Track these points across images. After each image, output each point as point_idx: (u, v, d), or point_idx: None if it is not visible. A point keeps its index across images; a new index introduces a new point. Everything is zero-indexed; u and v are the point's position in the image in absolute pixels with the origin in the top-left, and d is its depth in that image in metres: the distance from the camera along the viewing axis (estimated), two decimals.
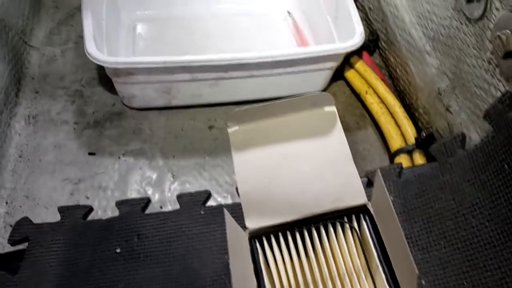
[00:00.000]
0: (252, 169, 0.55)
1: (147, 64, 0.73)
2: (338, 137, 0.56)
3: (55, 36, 0.98)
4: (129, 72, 0.76)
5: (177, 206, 0.67)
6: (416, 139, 0.76)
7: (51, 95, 0.88)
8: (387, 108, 0.83)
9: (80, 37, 0.96)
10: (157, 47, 0.94)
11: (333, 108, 0.58)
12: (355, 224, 0.53)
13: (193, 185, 0.79)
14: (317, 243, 0.51)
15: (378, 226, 0.51)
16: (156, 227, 0.62)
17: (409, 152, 0.76)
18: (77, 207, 0.67)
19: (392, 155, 0.77)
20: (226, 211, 0.46)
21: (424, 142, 0.74)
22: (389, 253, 0.49)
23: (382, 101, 0.84)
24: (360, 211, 0.53)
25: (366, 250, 0.51)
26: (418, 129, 0.79)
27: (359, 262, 0.50)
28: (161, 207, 0.75)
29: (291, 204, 0.53)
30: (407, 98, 0.83)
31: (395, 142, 0.78)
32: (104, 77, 0.89)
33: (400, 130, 0.80)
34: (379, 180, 0.47)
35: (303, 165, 0.55)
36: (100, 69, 0.91)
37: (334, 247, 0.51)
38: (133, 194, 0.77)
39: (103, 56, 0.74)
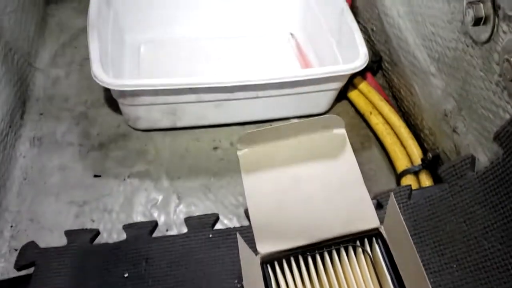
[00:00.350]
0: (262, 192, 0.55)
1: (153, 86, 0.74)
2: (348, 160, 0.56)
3: (60, 58, 0.98)
4: (135, 94, 0.76)
5: (183, 228, 0.67)
6: (422, 160, 0.76)
7: (56, 117, 0.88)
8: (392, 129, 0.83)
9: (85, 59, 0.97)
10: (162, 69, 0.95)
11: (342, 131, 0.58)
12: (368, 248, 0.52)
13: (198, 207, 0.78)
14: (329, 267, 0.51)
15: (391, 250, 0.51)
16: (164, 251, 0.61)
17: (416, 173, 0.76)
18: (84, 231, 0.67)
19: (398, 176, 0.77)
20: (239, 236, 0.46)
21: (431, 163, 0.74)
22: (403, 278, 0.49)
23: (387, 121, 0.84)
24: (372, 234, 0.53)
25: (380, 274, 0.51)
26: (424, 150, 0.79)
27: (372, 287, 0.50)
28: (167, 230, 0.75)
29: (303, 228, 0.53)
30: (412, 119, 0.83)
31: (401, 163, 0.78)
32: (109, 99, 0.89)
33: (405, 151, 0.80)
34: (392, 203, 0.47)
35: (314, 188, 0.55)
36: (105, 90, 0.91)
37: (347, 271, 0.51)
38: (138, 216, 0.76)
39: (109, 78, 0.74)
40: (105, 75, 0.74)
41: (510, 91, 0.54)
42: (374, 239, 0.53)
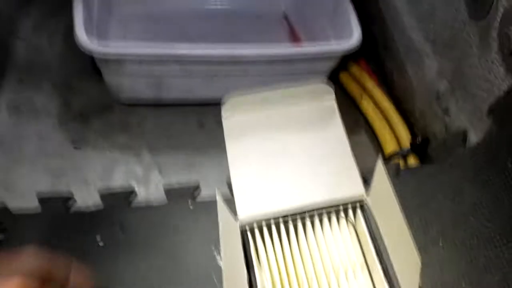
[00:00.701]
0: (246, 158, 0.53)
1: (138, 54, 0.71)
2: (336, 129, 0.54)
3: (43, 28, 0.95)
4: (119, 62, 0.73)
5: (163, 202, 0.65)
6: (411, 143, 0.74)
7: (36, 86, 0.86)
8: (382, 113, 0.82)
9: (69, 30, 0.93)
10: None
11: (332, 100, 0.56)
12: (352, 217, 0.50)
13: (180, 183, 0.76)
14: (311, 235, 0.49)
15: (376, 218, 0.48)
16: (142, 220, 0.59)
17: (404, 156, 0.74)
18: (59, 197, 0.64)
19: (386, 160, 0.76)
20: (219, 198, 0.43)
21: (419, 147, 0.73)
22: (387, 246, 0.47)
23: (377, 105, 0.83)
24: (357, 204, 0.51)
25: (363, 244, 0.49)
26: (414, 135, 0.77)
27: (355, 256, 0.48)
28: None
29: (286, 195, 0.51)
30: (402, 104, 0.82)
31: (390, 146, 0.76)
32: (93, 70, 0.86)
33: (394, 135, 0.78)
34: (380, 169, 0.45)
35: (300, 156, 0.53)
36: (88, 62, 0.88)
37: (329, 240, 0.49)
38: (117, 188, 0.74)
39: (93, 44, 0.71)
40: (88, 41, 0.71)
41: (509, 66, 0.52)
42: (358, 209, 0.51)
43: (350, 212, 0.51)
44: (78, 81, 0.87)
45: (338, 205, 0.50)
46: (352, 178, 0.52)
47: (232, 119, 0.55)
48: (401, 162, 0.73)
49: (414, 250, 0.40)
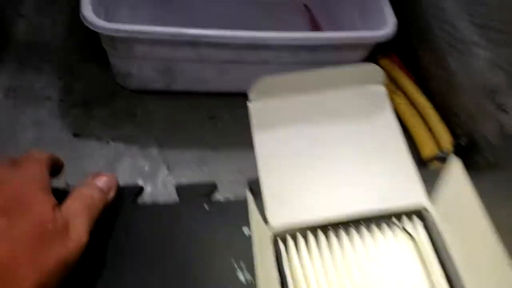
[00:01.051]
0: (278, 154, 0.45)
1: (149, 32, 0.63)
2: (387, 121, 0.46)
3: (47, 6, 0.87)
4: (128, 42, 0.65)
5: (171, 201, 0.57)
6: (454, 145, 0.66)
7: (36, 68, 0.78)
8: (418, 111, 0.73)
9: (75, 11, 0.86)
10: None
11: (381, 86, 0.48)
12: (411, 229, 0.42)
13: (191, 180, 0.68)
14: (358, 249, 0.41)
15: (445, 232, 0.40)
16: (149, 221, 0.50)
17: (444, 160, 0.66)
18: (55, 190, 0.56)
19: (424, 163, 0.67)
20: (249, 196, 0.35)
21: (463, 149, 0.64)
22: (461, 265, 0.38)
23: (412, 102, 0.74)
24: (417, 213, 0.42)
25: (424, 262, 0.40)
26: (455, 136, 0.69)
27: (414, 277, 0.39)
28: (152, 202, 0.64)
29: (327, 200, 0.42)
30: (442, 100, 0.73)
31: (427, 148, 0.68)
32: (98, 54, 0.78)
33: (432, 136, 0.70)
34: (455, 168, 0.37)
35: (343, 153, 0.45)
36: (94, 45, 0.80)
37: (380, 255, 0.41)
38: (120, 183, 0.66)
39: (101, 21, 0.64)
40: (95, 17, 0.64)
41: None
42: (417, 219, 0.42)
43: (408, 223, 0.42)
44: (82, 65, 0.80)
45: (391, 214, 0.42)
46: (408, 182, 0.43)
47: (261, 105, 0.46)
48: (442, 167, 0.65)
49: (508, 269, 0.31)
